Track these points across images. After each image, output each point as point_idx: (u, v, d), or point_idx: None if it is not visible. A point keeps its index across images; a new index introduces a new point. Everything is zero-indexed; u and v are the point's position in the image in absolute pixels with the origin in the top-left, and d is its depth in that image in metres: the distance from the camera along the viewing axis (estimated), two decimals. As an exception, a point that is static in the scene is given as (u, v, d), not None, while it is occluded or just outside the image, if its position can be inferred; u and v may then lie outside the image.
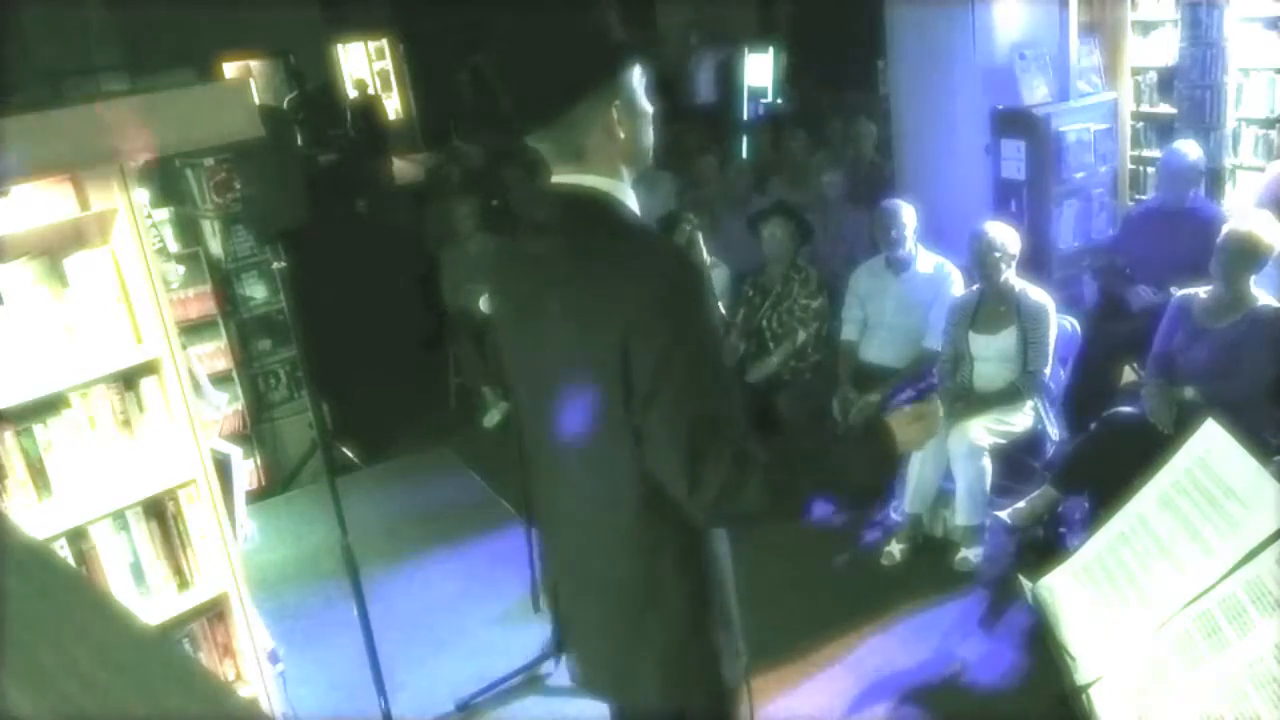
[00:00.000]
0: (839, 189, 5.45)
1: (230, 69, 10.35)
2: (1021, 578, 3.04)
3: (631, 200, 1.63)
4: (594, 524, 1.67)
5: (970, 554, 3.68)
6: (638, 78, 1.59)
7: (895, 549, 3.80)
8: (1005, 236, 3.80)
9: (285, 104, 11.13)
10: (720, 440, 1.49)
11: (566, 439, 1.63)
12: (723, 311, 4.77)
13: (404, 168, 11.70)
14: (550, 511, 1.82)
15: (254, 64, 11.75)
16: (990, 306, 3.89)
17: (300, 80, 12.01)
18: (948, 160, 5.20)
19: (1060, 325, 3.86)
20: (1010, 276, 3.83)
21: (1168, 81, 5.58)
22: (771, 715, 2.97)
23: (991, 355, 3.87)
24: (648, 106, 1.62)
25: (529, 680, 3.35)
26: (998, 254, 3.78)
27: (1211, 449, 2.70)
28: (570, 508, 1.72)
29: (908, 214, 4.24)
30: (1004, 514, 3.73)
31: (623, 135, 1.57)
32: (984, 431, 3.69)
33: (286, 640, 3.14)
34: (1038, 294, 3.83)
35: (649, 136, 1.64)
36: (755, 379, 4.51)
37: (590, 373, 1.54)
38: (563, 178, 1.60)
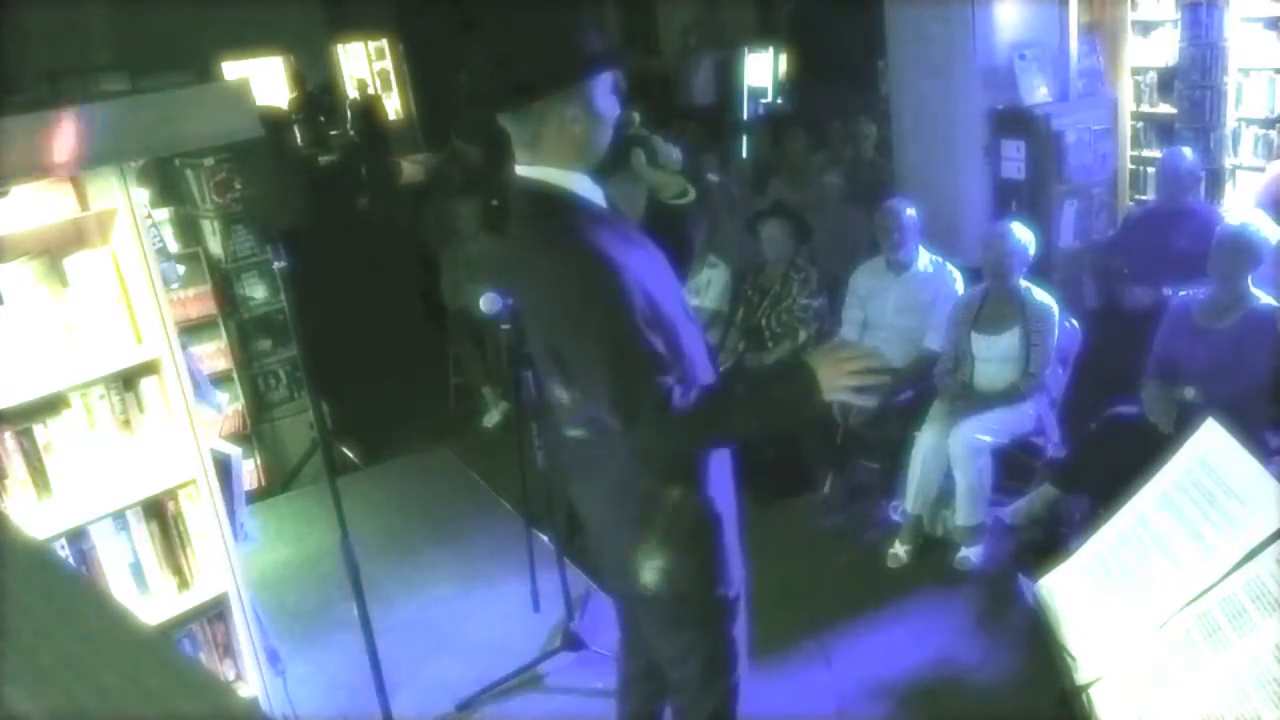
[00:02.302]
0: (838, 189, 5.44)
1: (231, 69, 10.33)
2: (1021, 578, 3.04)
3: (581, 187, 1.82)
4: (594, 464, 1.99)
5: (970, 553, 3.68)
6: (605, 85, 1.78)
7: (901, 550, 3.80)
8: (1026, 239, 3.81)
9: (285, 104, 11.12)
10: (637, 397, 1.73)
11: (561, 394, 1.94)
12: (723, 310, 4.79)
13: (404, 168, 11.67)
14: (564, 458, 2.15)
15: (254, 64, 11.74)
16: (994, 307, 3.89)
17: (301, 80, 12.00)
18: (948, 160, 5.20)
19: (1061, 325, 3.86)
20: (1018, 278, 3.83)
21: (1168, 81, 5.58)
22: (771, 713, 2.97)
23: (993, 356, 3.87)
24: (609, 111, 1.80)
25: (529, 680, 3.35)
26: (1015, 257, 3.79)
27: (1211, 449, 2.70)
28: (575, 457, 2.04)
29: (908, 214, 4.24)
30: (1003, 512, 3.73)
31: (577, 132, 1.76)
32: (984, 431, 3.69)
33: (286, 640, 3.15)
34: (1042, 296, 3.83)
35: (604, 138, 1.82)
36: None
37: (549, 341, 1.86)
38: (521, 168, 1.83)
